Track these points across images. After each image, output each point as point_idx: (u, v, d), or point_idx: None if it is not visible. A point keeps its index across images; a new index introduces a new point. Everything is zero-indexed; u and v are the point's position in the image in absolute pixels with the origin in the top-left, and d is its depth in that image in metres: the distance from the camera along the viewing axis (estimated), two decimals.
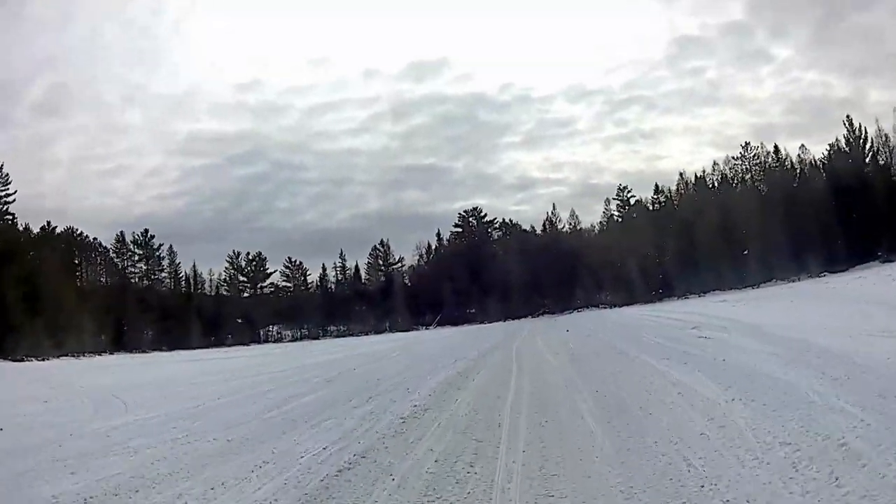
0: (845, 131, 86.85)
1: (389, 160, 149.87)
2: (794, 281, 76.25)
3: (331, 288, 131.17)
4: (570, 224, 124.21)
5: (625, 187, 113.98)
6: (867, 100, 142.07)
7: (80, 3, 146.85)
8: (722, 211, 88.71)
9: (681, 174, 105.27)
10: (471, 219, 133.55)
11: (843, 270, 73.57)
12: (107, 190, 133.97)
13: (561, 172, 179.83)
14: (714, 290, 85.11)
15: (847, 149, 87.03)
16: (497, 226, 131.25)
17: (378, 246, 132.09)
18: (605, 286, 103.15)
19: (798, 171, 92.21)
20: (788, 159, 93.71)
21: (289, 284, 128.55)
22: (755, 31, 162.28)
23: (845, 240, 79.02)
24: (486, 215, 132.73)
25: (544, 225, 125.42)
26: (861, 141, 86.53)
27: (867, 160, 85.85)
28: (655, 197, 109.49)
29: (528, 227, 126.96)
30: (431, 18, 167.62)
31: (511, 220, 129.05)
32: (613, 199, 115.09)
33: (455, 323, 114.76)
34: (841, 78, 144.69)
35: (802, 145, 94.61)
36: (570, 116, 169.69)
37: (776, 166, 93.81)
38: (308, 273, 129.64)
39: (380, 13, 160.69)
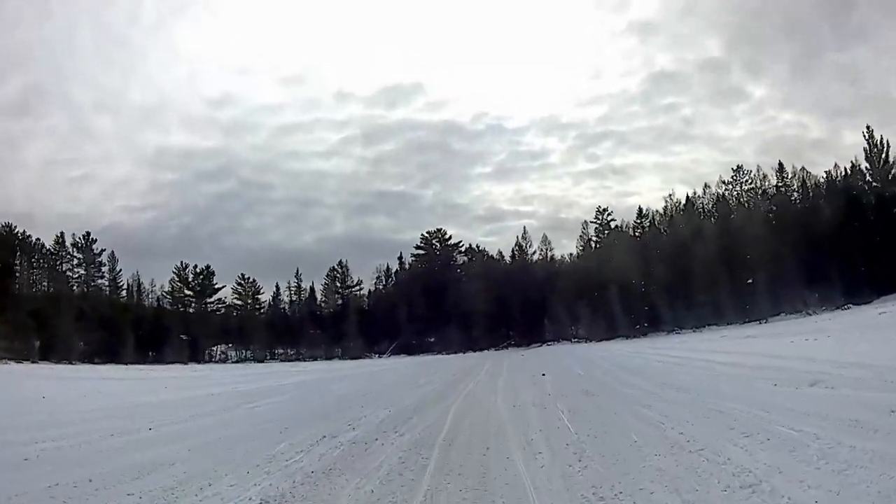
0: (865, 145, 73.70)
1: (358, 184, 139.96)
2: (810, 314, 60.81)
3: (284, 309, 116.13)
4: (542, 251, 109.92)
5: (604, 209, 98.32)
6: (842, 141, 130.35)
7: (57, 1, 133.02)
8: (721, 235, 74.11)
9: (669, 195, 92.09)
10: (434, 241, 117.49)
11: (867, 302, 58.97)
12: (74, 197, 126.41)
13: (531, 205, 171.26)
14: (711, 325, 69.15)
15: (867, 165, 73.66)
16: (462, 250, 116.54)
17: (336, 267, 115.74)
18: (580, 319, 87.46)
19: (808, 191, 77.96)
20: (798, 177, 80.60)
21: (239, 303, 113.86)
22: (731, 68, 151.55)
23: (867, 267, 65.35)
24: (450, 238, 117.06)
25: (513, 252, 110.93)
26: (883, 155, 72.99)
27: (890, 176, 72.66)
28: (639, 221, 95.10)
29: (495, 255, 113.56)
30: (408, 43, 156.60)
31: (478, 246, 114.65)
32: (592, 222, 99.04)
33: (411, 352, 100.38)
34: (816, 118, 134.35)
35: (803, 168, 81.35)
36: (543, 149, 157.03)
37: (781, 187, 79.81)
38: (261, 292, 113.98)
39: (356, 35, 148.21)
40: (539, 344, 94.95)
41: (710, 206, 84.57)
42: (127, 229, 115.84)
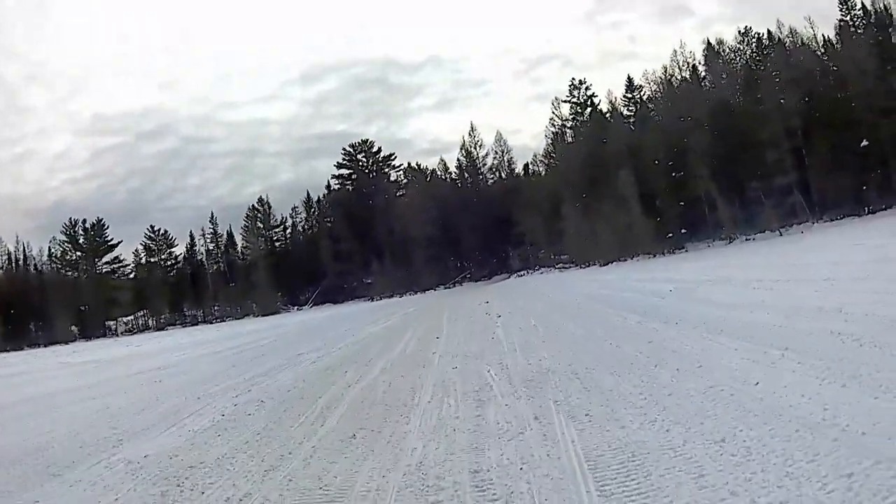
0: None
1: (300, 129, 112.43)
2: None
3: (201, 261, 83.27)
4: (497, 154, 77.44)
5: (580, 81, 63.02)
6: None
7: None
8: (808, 79, 42.31)
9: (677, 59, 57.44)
10: (360, 155, 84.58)
11: None
12: (18, 176, 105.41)
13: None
14: (799, 223, 39.41)
15: None
16: (396, 165, 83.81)
17: (256, 206, 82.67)
18: (563, 236, 54.31)
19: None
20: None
21: (153, 260, 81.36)
22: None
23: None
24: (380, 150, 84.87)
25: (459, 161, 78.57)
26: None
27: None
28: (629, 96, 63.23)
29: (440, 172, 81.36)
30: None
31: (418, 165, 78.87)
32: (565, 100, 63.66)
33: (337, 299, 69.35)
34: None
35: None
36: (483, 77, 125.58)
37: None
38: (175, 244, 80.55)
39: None
40: (506, 275, 64.03)
41: (744, 55, 53.24)
42: (74, 202, 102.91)
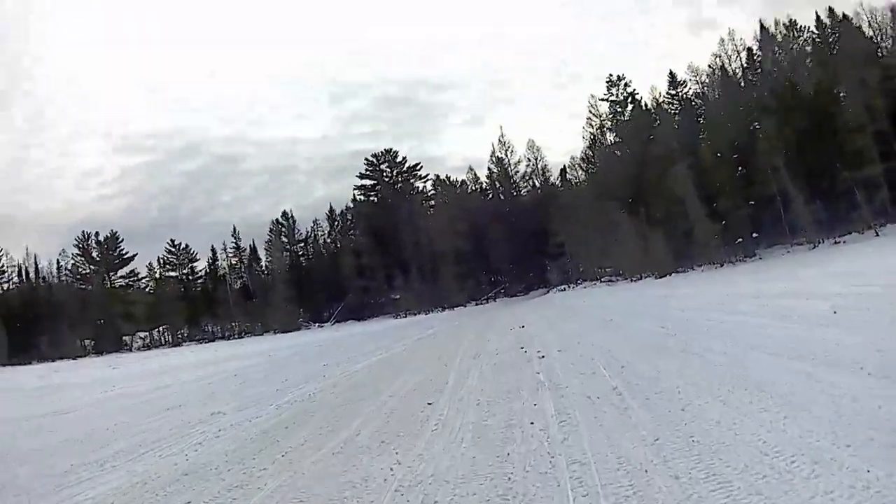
0: None
1: (331, 147, 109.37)
2: None
3: (224, 276, 77.80)
4: (530, 162, 71.11)
5: (619, 77, 55.69)
6: None
7: None
8: None
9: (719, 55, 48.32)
10: (384, 165, 79.00)
11: None
12: (48, 193, 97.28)
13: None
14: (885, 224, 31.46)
15: None
16: (423, 176, 77.71)
17: (280, 220, 74.77)
18: (597, 251, 48.10)
19: None
20: None
21: (174, 275, 74.02)
22: None
23: None
24: (404, 160, 78.90)
25: (490, 170, 72.39)
26: None
27: None
28: (673, 93, 56.65)
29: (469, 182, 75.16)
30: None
31: (448, 178, 72.27)
32: (602, 98, 56.28)
33: (361, 315, 62.86)
34: None
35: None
36: (515, 94, 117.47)
37: None
38: (196, 258, 74.72)
39: None
40: (544, 289, 57.79)
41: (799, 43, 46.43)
42: (104, 218, 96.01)
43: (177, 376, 19.06)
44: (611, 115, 55.77)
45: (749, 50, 45.17)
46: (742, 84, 43.83)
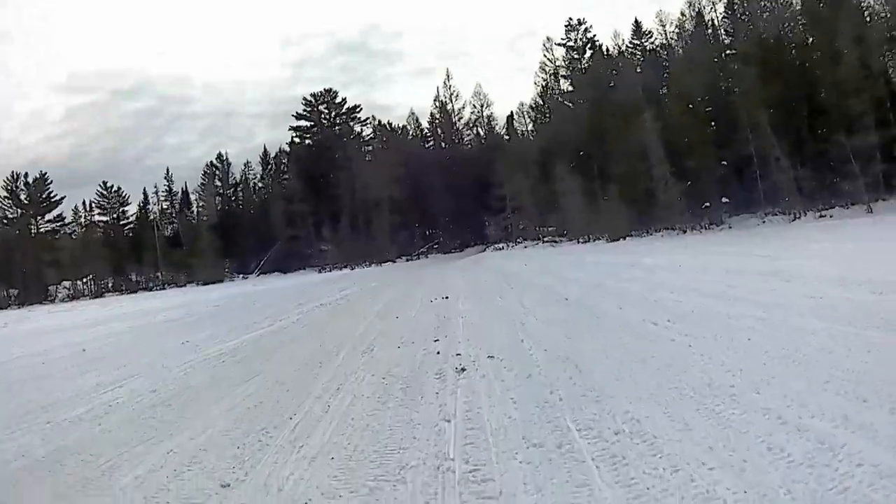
0: None
1: (279, 92, 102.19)
2: None
3: (154, 221, 70.15)
4: (475, 108, 65.03)
5: (579, 21, 49.74)
6: None
7: None
8: None
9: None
10: (321, 106, 72.10)
11: None
12: None
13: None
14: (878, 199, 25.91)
15: None
16: (362, 119, 71.00)
17: (214, 162, 67.77)
18: (544, 208, 42.93)
19: None
20: None
21: (105, 219, 66.79)
22: None
23: None
24: (344, 101, 67.90)
25: (432, 115, 63.42)
26: None
27: None
28: (637, 42, 51.01)
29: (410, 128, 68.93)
30: None
31: (389, 124, 65.30)
32: (559, 43, 50.48)
33: (287, 268, 57.13)
34: None
35: None
36: (466, 50, 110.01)
37: None
38: (128, 202, 67.21)
39: None
40: (481, 246, 52.67)
41: None
42: (51, 161, 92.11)
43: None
44: (567, 62, 50.25)
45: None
46: (721, 32, 38.45)
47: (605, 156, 36.31)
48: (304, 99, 66.04)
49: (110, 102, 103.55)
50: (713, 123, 31.21)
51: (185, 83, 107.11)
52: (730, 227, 29.74)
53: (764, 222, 28.65)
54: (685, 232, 30.96)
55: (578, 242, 36.79)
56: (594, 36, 49.19)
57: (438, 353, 7.20)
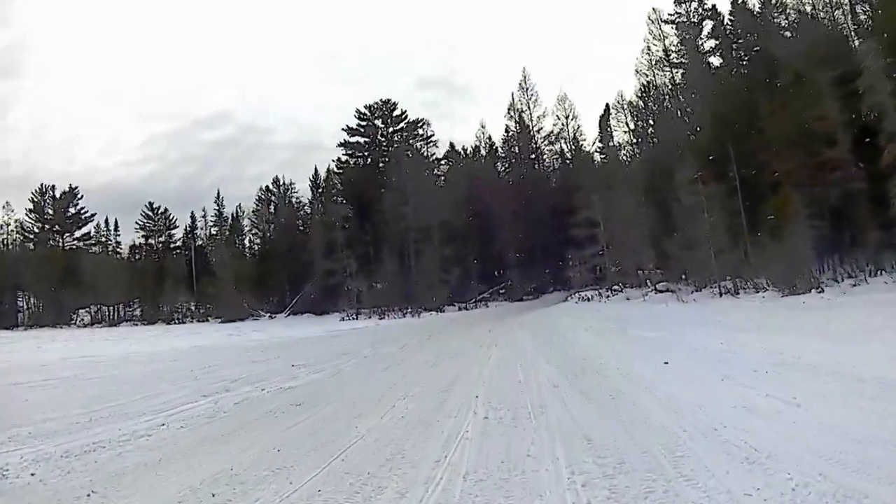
0: None
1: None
2: None
3: (203, 246, 58.20)
4: (560, 123, 50.46)
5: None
6: None
7: None
8: None
9: None
10: (377, 119, 59.29)
11: None
12: (68, 158, 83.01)
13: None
14: None
15: None
16: (426, 136, 57.34)
17: (269, 187, 56.62)
18: (631, 247, 29.82)
19: None
20: None
21: (152, 242, 58.20)
22: None
23: None
24: (405, 114, 54.52)
25: (506, 128, 49.68)
26: None
27: None
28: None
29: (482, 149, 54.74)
30: None
31: (464, 148, 52.74)
32: (666, 20, 35.51)
33: (322, 310, 44.58)
34: None
35: None
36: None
37: None
38: (175, 224, 58.09)
39: None
40: (562, 292, 38.11)
41: None
42: (125, 185, 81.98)
43: None
44: (678, 46, 35.68)
45: None
46: None
47: (755, 156, 21.41)
48: (358, 111, 53.42)
49: (189, 130, 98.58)
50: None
51: (265, 114, 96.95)
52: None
53: None
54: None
55: (719, 294, 21.79)
56: (714, 5, 34.32)
57: None
